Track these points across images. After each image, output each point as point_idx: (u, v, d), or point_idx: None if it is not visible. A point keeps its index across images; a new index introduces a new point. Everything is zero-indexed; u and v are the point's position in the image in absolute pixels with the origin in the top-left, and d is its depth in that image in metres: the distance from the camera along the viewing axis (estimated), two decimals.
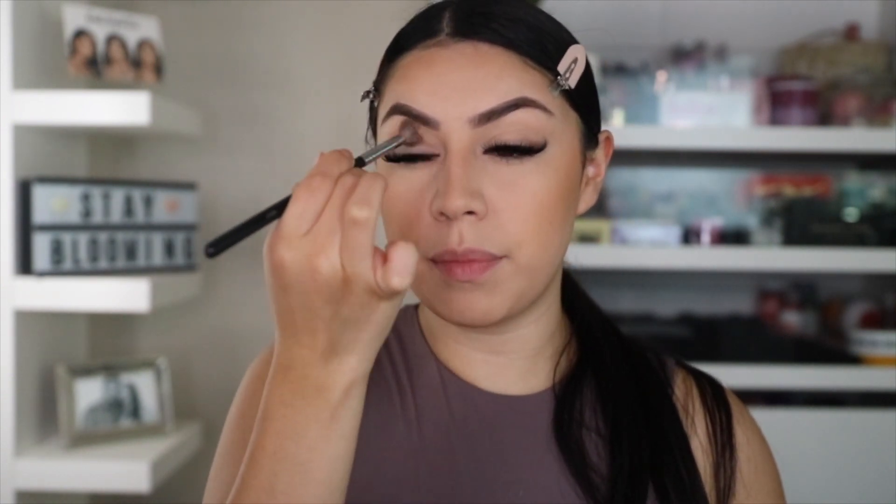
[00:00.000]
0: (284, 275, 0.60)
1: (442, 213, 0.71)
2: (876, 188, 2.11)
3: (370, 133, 0.82)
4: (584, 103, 0.77)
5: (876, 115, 2.03)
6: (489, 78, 0.71)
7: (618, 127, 1.97)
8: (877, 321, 2.17)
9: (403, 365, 0.82)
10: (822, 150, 1.98)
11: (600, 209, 2.19)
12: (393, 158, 0.74)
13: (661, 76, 2.04)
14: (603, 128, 0.81)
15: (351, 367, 0.63)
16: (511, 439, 0.79)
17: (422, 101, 0.72)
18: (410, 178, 0.73)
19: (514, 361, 0.81)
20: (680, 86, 2.03)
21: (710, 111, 2.00)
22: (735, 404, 0.86)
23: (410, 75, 0.74)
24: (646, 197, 2.22)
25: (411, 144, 0.72)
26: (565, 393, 0.81)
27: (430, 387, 0.81)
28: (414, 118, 0.72)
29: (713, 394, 0.85)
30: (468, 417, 0.79)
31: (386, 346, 0.83)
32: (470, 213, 0.70)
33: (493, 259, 0.71)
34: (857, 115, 2.02)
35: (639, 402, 0.81)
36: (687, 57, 2.15)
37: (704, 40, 2.20)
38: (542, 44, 0.74)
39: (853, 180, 2.13)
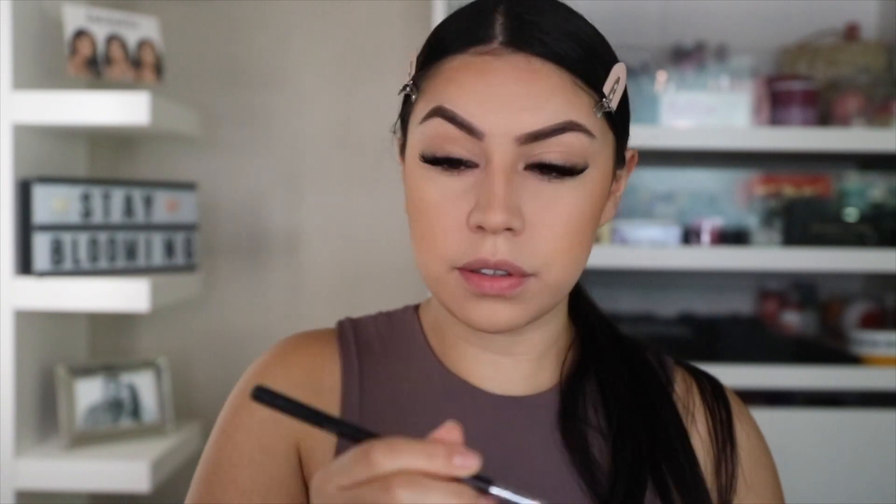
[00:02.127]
0: None
1: (480, 227, 0.71)
2: (876, 188, 2.11)
3: (399, 125, 0.81)
4: (621, 124, 0.77)
5: (876, 115, 2.02)
6: (540, 97, 0.71)
7: None
8: (877, 321, 2.16)
9: (405, 373, 0.82)
10: (822, 150, 1.98)
11: None
12: (432, 161, 0.73)
13: (661, 76, 2.03)
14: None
15: None
16: (515, 439, 0.79)
17: (469, 111, 0.71)
18: (447, 185, 0.73)
19: (520, 363, 0.81)
20: (680, 86, 2.03)
21: (710, 111, 2.00)
22: (734, 401, 0.87)
23: (459, 80, 0.72)
24: (646, 197, 2.22)
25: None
26: (569, 391, 0.81)
27: (433, 393, 0.81)
28: (458, 125, 0.71)
29: (713, 391, 0.86)
30: (472, 420, 0.79)
31: (388, 356, 0.83)
32: (508, 229, 0.71)
33: (523, 276, 0.72)
34: (857, 115, 2.02)
35: (639, 399, 0.82)
36: (687, 57, 2.15)
37: (704, 40, 2.20)
38: (592, 63, 0.73)
39: (853, 180, 2.13)
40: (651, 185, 2.23)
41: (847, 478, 1.91)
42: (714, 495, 0.81)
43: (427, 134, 0.73)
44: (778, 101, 2.02)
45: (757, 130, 1.98)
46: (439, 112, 0.72)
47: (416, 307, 0.87)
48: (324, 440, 0.79)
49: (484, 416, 0.80)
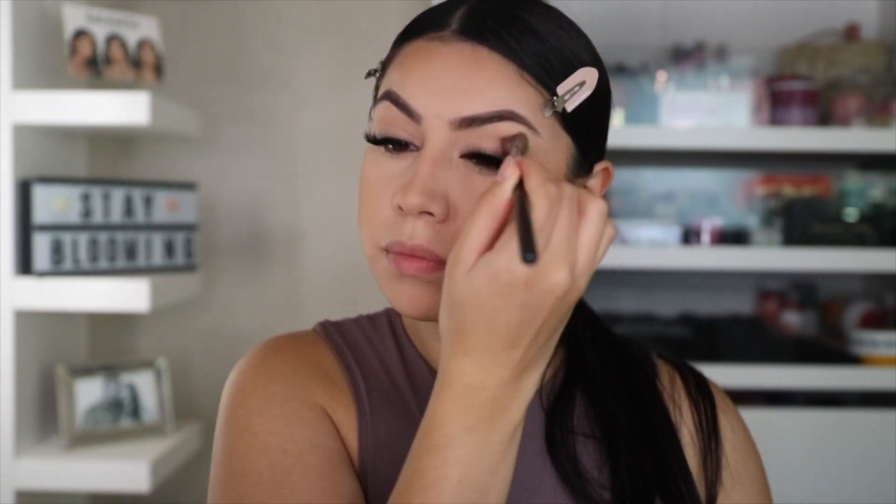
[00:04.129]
0: (533, 292, 0.60)
1: (399, 207, 0.71)
2: (876, 188, 2.11)
3: (373, 111, 0.82)
4: (582, 129, 0.74)
5: (876, 115, 2.02)
6: (480, 84, 0.70)
7: (618, 127, 1.97)
8: (877, 321, 2.16)
9: (404, 373, 0.81)
10: (822, 150, 1.98)
11: None
12: (375, 141, 0.74)
13: (661, 76, 2.03)
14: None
15: (533, 383, 0.64)
16: None
17: (409, 93, 0.72)
18: (387, 166, 0.73)
19: None
20: (680, 86, 2.03)
21: (710, 111, 2.00)
22: (718, 394, 0.87)
23: (407, 65, 0.73)
24: (646, 197, 2.22)
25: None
26: (555, 406, 0.80)
27: (407, 386, 0.80)
28: (400, 108, 0.72)
29: (696, 384, 0.86)
30: None
31: (377, 354, 0.82)
32: (428, 213, 0.70)
33: (440, 262, 0.71)
34: (857, 115, 2.02)
35: (629, 401, 0.82)
36: (687, 57, 2.15)
37: (704, 40, 2.20)
38: (547, 60, 0.71)
39: (853, 180, 2.13)
40: (651, 185, 2.23)
41: (847, 478, 1.91)
42: (701, 487, 0.81)
43: (377, 117, 0.74)
44: (778, 101, 2.02)
45: (757, 130, 1.98)
46: (387, 95, 0.73)
47: None
48: (340, 400, 0.78)
49: None
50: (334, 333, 0.83)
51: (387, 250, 0.72)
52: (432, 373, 0.80)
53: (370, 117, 0.78)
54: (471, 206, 0.69)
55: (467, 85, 0.70)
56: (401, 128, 0.72)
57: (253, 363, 0.79)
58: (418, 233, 0.70)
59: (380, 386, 0.80)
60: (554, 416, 0.79)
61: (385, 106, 0.73)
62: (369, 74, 0.79)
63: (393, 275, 0.72)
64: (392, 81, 0.74)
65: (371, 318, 0.86)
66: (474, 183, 0.70)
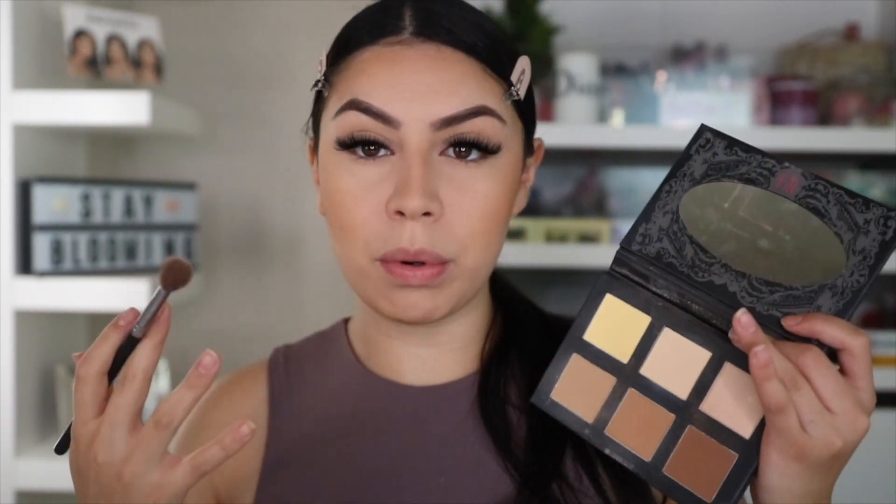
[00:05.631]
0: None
1: (398, 212, 0.71)
2: (876, 188, 2.11)
3: (311, 123, 0.82)
4: (528, 112, 0.80)
5: (876, 115, 2.03)
6: (452, 83, 0.72)
7: (618, 127, 1.97)
8: (877, 321, 2.16)
9: (328, 383, 0.84)
10: (822, 150, 1.98)
11: (600, 209, 2.19)
12: (349, 144, 0.73)
13: (661, 76, 2.03)
14: (537, 135, 0.84)
15: None
16: (432, 427, 0.80)
17: (383, 100, 0.72)
18: (363, 174, 0.73)
19: (444, 353, 0.82)
20: (680, 86, 2.03)
21: (710, 111, 2.00)
22: None
23: (371, 72, 0.74)
24: (646, 197, 2.22)
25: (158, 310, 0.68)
26: (488, 371, 0.82)
27: (351, 395, 0.82)
28: (373, 116, 0.72)
29: None
30: (388, 414, 0.81)
31: (316, 372, 0.85)
32: (426, 214, 0.71)
33: (443, 263, 0.73)
34: (857, 115, 2.02)
35: None
36: (687, 57, 2.15)
37: (704, 40, 2.20)
38: (498, 52, 0.75)
39: (853, 180, 2.13)
40: (651, 185, 2.22)
41: (847, 478, 1.90)
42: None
43: (341, 126, 0.74)
44: (778, 101, 2.02)
45: (757, 130, 1.98)
46: (353, 105, 0.73)
47: (347, 320, 0.88)
48: (245, 490, 0.82)
49: (401, 408, 0.80)
50: (279, 362, 0.87)
51: (383, 260, 0.73)
52: (365, 376, 0.83)
53: (309, 128, 0.80)
54: (462, 201, 0.72)
55: (441, 86, 0.72)
56: (374, 132, 0.73)
57: (198, 415, 0.86)
58: (418, 237, 0.71)
59: (304, 403, 0.83)
60: (489, 372, 0.81)
61: (353, 115, 0.73)
62: (315, 86, 0.78)
63: (394, 285, 0.73)
64: (356, 90, 0.73)
65: (321, 335, 0.89)
66: (460, 177, 0.73)
